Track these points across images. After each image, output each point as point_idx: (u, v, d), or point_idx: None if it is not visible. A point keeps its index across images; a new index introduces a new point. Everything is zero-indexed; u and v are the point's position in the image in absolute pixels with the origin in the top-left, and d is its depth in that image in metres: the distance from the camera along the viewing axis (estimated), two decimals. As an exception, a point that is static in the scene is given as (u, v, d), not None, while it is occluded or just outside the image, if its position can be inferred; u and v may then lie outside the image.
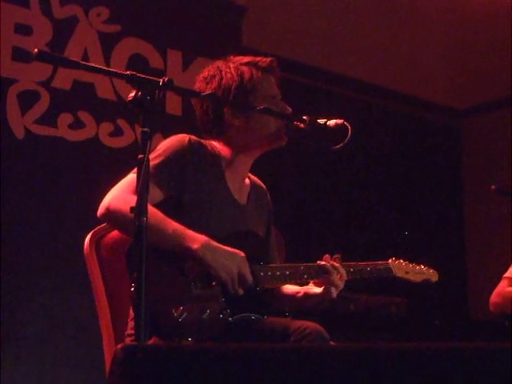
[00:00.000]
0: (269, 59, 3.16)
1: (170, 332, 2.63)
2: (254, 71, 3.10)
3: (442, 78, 7.53)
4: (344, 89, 7.43)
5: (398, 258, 3.45)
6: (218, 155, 3.05)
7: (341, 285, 3.07)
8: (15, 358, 4.76)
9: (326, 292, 3.04)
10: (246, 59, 3.14)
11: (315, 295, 3.08)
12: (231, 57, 3.18)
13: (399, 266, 3.41)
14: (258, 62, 3.14)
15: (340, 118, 2.96)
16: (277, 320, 2.83)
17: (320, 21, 6.46)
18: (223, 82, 3.05)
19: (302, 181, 6.98)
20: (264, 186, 3.32)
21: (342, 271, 3.08)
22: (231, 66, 3.10)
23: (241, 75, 3.07)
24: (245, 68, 3.10)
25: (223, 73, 3.08)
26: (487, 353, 2.15)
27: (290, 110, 3.12)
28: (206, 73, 3.12)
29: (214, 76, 3.08)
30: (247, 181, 3.22)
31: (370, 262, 3.29)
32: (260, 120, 3.05)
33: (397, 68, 7.23)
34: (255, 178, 3.28)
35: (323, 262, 3.06)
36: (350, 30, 6.62)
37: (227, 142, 3.09)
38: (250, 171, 3.23)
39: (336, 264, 3.07)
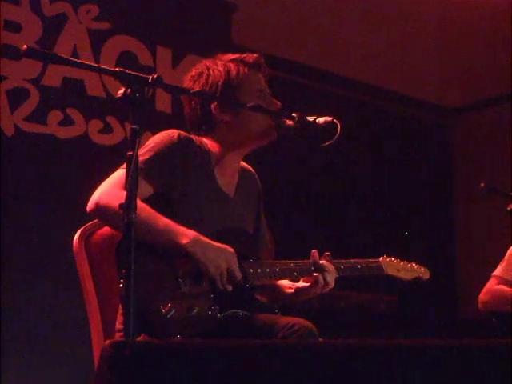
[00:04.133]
0: (255, 55, 3.18)
1: (158, 329, 2.63)
2: (241, 67, 3.11)
3: (433, 76, 7.54)
4: (334, 87, 7.44)
5: (389, 255, 3.45)
6: (208, 151, 3.06)
7: (331, 283, 3.08)
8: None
9: (315, 285, 3.04)
10: (233, 56, 3.16)
11: (305, 289, 3.09)
12: (219, 55, 3.19)
13: (390, 264, 3.42)
14: (245, 58, 3.15)
15: (329, 116, 2.96)
16: (265, 316, 2.83)
17: (310, 18, 6.46)
18: (210, 79, 3.07)
19: (291, 178, 6.99)
20: (252, 170, 3.31)
21: (332, 269, 3.08)
22: (218, 63, 3.12)
23: (227, 72, 3.08)
24: (232, 65, 3.11)
25: (210, 70, 3.10)
26: (476, 350, 2.16)
27: (279, 104, 3.12)
28: (193, 71, 3.14)
29: (202, 74, 3.10)
30: (236, 174, 3.21)
31: (360, 260, 3.29)
32: (249, 116, 3.05)
33: (387, 66, 7.25)
34: (245, 164, 3.28)
35: (315, 259, 3.06)
36: (341, 28, 6.63)
37: (216, 139, 3.10)
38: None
39: (325, 262, 3.08)
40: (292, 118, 2.98)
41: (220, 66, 3.10)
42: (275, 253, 3.44)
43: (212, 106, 3.07)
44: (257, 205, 3.28)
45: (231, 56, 3.16)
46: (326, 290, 3.08)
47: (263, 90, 3.14)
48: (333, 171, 7.23)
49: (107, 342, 1.79)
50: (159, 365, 1.79)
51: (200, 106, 3.09)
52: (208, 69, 3.10)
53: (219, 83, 3.05)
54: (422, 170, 8.12)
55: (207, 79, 3.07)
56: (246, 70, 3.11)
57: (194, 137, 3.04)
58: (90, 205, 2.78)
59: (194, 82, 3.10)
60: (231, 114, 3.07)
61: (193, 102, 3.11)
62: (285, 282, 3.17)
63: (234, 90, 3.06)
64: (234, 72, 3.09)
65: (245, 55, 3.16)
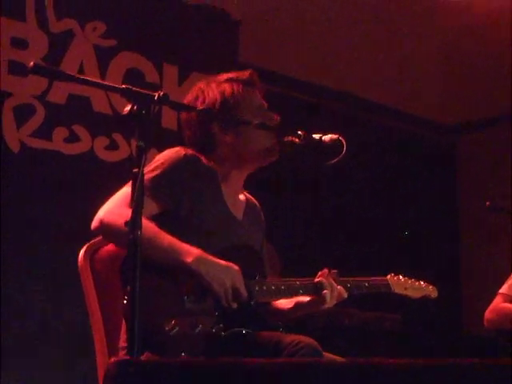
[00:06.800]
0: (248, 72, 3.18)
1: (161, 346, 2.62)
2: (235, 86, 3.11)
3: (437, 94, 7.54)
4: (339, 104, 7.45)
5: (396, 273, 3.44)
6: (214, 169, 3.05)
7: (335, 300, 3.06)
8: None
9: (319, 300, 3.03)
10: (226, 76, 3.15)
11: (307, 304, 3.07)
12: (212, 77, 3.19)
13: (398, 282, 3.39)
14: (239, 76, 3.15)
15: (335, 134, 2.96)
16: (269, 334, 2.82)
17: (316, 37, 6.47)
18: (206, 101, 3.06)
19: (297, 196, 6.99)
20: (257, 204, 3.31)
21: (340, 290, 3.07)
22: (212, 85, 3.12)
23: (222, 92, 3.08)
24: (226, 85, 3.11)
25: (205, 93, 3.09)
26: (481, 369, 2.16)
27: (278, 119, 3.12)
28: (189, 97, 3.13)
29: (197, 98, 3.09)
30: (242, 197, 3.22)
31: (367, 278, 3.27)
32: (250, 135, 3.06)
33: (391, 84, 7.25)
34: (249, 195, 3.29)
35: (319, 279, 3.05)
36: (346, 46, 6.64)
37: (220, 158, 3.09)
38: (245, 185, 3.23)
39: (332, 281, 3.06)
40: (298, 136, 2.98)
41: (214, 88, 3.10)
42: (281, 271, 3.44)
43: (211, 126, 3.07)
44: (261, 236, 3.27)
45: (225, 76, 3.16)
46: (325, 307, 3.06)
47: (261, 105, 3.14)
48: (336, 189, 7.24)
49: (112, 360, 1.79)
50: (163, 383, 1.78)
51: (200, 128, 3.09)
52: (203, 92, 3.10)
53: (215, 105, 3.05)
54: (427, 188, 8.11)
55: (203, 102, 3.06)
56: (240, 88, 3.11)
57: (199, 155, 3.04)
58: (95, 223, 2.79)
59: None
60: (232, 133, 3.07)
61: (192, 126, 3.11)
62: (284, 301, 3.16)
63: (232, 110, 3.05)
64: (228, 91, 3.08)
65: (238, 73, 3.17)
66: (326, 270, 3.08)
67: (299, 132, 2.99)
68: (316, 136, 2.97)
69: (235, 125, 3.07)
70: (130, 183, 2.70)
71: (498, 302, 4.54)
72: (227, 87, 3.10)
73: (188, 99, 3.13)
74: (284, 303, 3.15)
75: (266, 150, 3.09)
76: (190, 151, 3.00)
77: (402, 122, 8.07)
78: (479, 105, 7.53)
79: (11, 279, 4.81)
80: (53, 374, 4.92)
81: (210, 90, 3.10)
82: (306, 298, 3.07)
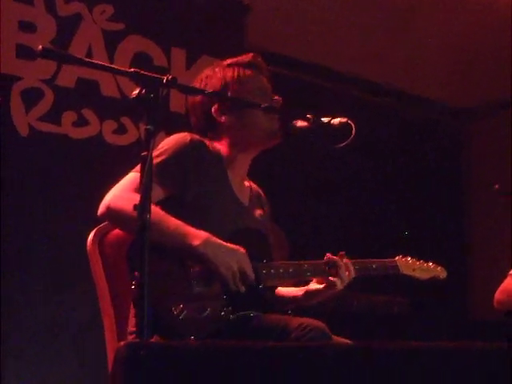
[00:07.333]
0: (251, 55, 3.20)
1: (170, 330, 2.62)
2: (239, 70, 3.13)
3: (445, 77, 7.51)
4: (347, 87, 7.44)
5: (404, 255, 3.45)
6: (219, 154, 3.07)
7: (346, 280, 3.07)
8: (16, 356, 4.76)
9: (329, 286, 3.04)
10: (230, 60, 3.19)
11: (317, 291, 3.09)
12: (217, 62, 3.22)
13: (406, 264, 3.41)
14: (242, 60, 3.18)
15: (343, 117, 2.96)
16: (277, 317, 2.82)
17: (324, 19, 6.45)
18: (208, 87, 3.08)
19: (304, 179, 6.99)
20: (262, 193, 3.33)
21: (351, 267, 3.09)
22: (217, 70, 3.15)
23: (226, 76, 3.10)
24: (230, 69, 3.13)
25: (208, 78, 3.12)
26: (488, 352, 2.16)
27: (281, 101, 3.14)
28: (195, 83, 3.16)
29: (201, 82, 3.13)
30: (247, 183, 3.24)
31: (376, 260, 3.29)
32: (254, 117, 3.07)
33: (399, 66, 7.23)
34: (254, 184, 3.30)
35: (331, 256, 3.06)
36: (354, 29, 6.61)
37: (224, 142, 3.11)
38: (252, 171, 3.23)
39: (345, 260, 3.08)
40: (306, 119, 2.98)
41: (218, 72, 3.13)
42: (289, 254, 3.45)
43: (212, 110, 3.09)
44: (268, 221, 3.29)
45: (229, 60, 3.18)
46: (336, 290, 3.07)
47: (264, 88, 3.16)
48: (343, 172, 7.23)
49: (122, 343, 1.80)
50: (174, 366, 1.79)
51: (205, 113, 3.11)
52: (207, 77, 3.13)
53: (220, 89, 3.07)
54: (434, 171, 8.11)
55: (206, 87, 3.08)
56: (244, 72, 3.13)
57: (206, 140, 3.05)
58: (101, 208, 2.79)
59: None
60: (236, 116, 3.09)
61: (196, 112, 3.14)
62: (294, 289, 3.17)
63: (236, 93, 3.07)
64: (232, 75, 3.11)
65: (241, 57, 3.19)
66: (329, 254, 3.09)
67: (308, 115, 2.99)
68: (325, 119, 2.96)
69: (239, 108, 3.09)
70: (136, 168, 2.73)
71: (508, 283, 4.53)
72: (231, 71, 3.13)
73: (194, 85, 3.14)
74: (294, 291, 3.16)
75: (271, 132, 3.11)
76: (195, 136, 3.01)
77: (411, 106, 8.05)
78: (490, 89, 7.49)
79: (15, 265, 4.82)
80: (62, 365, 4.93)
81: (215, 74, 3.13)
82: (317, 286, 3.08)
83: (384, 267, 3.31)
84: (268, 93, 3.15)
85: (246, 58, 3.19)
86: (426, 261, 3.53)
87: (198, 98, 3.12)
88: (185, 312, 2.64)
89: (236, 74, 3.12)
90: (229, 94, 3.07)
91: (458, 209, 8.38)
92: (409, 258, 3.45)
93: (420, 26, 6.66)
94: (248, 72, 3.14)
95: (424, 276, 3.48)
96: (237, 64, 3.16)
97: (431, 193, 8.01)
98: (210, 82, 3.10)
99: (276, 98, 3.14)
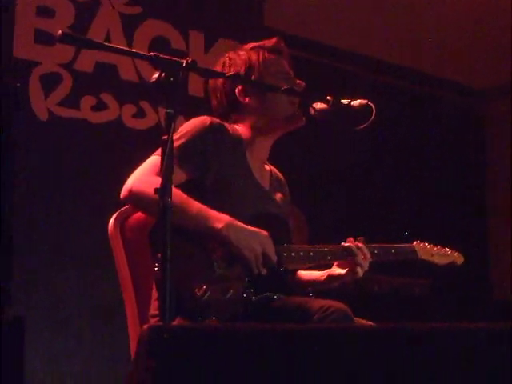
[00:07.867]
0: (274, 39, 3.21)
1: (193, 311, 2.63)
2: (262, 53, 3.14)
3: (467, 58, 7.47)
4: (367, 69, 7.40)
5: (422, 240, 3.44)
6: (240, 137, 3.07)
7: (365, 266, 3.07)
8: (38, 339, 4.79)
9: (352, 272, 3.04)
10: (253, 44, 3.20)
11: (340, 276, 3.09)
12: (239, 46, 3.24)
13: (424, 249, 3.40)
14: (265, 44, 3.19)
15: (364, 98, 2.95)
16: (300, 299, 2.83)
17: (343, 1, 6.42)
18: (232, 68, 3.09)
19: (324, 163, 6.97)
20: (282, 177, 3.33)
21: (367, 252, 3.08)
22: (240, 53, 3.16)
23: (249, 59, 3.11)
24: (252, 52, 3.15)
25: (232, 60, 3.13)
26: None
27: (303, 85, 3.13)
28: (217, 65, 3.17)
29: (225, 65, 3.13)
30: (267, 167, 3.24)
31: (394, 245, 3.28)
32: (273, 100, 3.08)
33: (421, 49, 7.19)
34: (274, 169, 3.30)
35: (348, 244, 3.06)
36: (373, 11, 6.58)
37: (246, 125, 3.12)
38: (272, 155, 3.23)
39: (360, 245, 3.07)
40: (326, 102, 2.96)
41: (241, 55, 3.14)
42: (308, 238, 3.44)
43: (236, 91, 3.09)
44: (288, 205, 3.29)
45: (251, 44, 3.20)
46: (361, 274, 3.07)
47: (286, 72, 3.16)
48: (363, 155, 7.21)
49: (145, 326, 1.80)
50: (197, 348, 1.79)
51: (226, 95, 3.12)
52: (230, 59, 3.14)
53: (242, 71, 3.07)
54: (455, 154, 8.07)
55: (229, 70, 3.08)
56: (267, 55, 3.14)
57: (226, 123, 3.05)
58: (124, 192, 2.80)
59: None
60: (258, 99, 3.09)
61: (218, 94, 3.14)
62: (316, 273, 3.17)
63: (258, 76, 3.08)
64: (255, 58, 3.11)
65: (265, 41, 3.20)
66: (351, 238, 3.09)
67: (328, 97, 2.98)
68: (345, 101, 2.95)
69: (261, 91, 3.10)
70: (157, 152, 2.74)
71: None
72: (254, 54, 3.13)
73: (216, 68, 3.14)
74: (316, 275, 3.16)
75: (292, 115, 3.11)
76: (215, 119, 3.01)
77: (431, 87, 8.01)
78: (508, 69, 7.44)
79: (40, 250, 4.85)
80: (84, 349, 4.97)
81: (237, 57, 3.14)
82: (340, 271, 3.08)
83: (402, 252, 3.30)
84: (291, 77, 3.16)
85: (270, 42, 3.20)
86: (443, 246, 3.52)
87: (220, 80, 3.12)
88: (208, 293, 2.65)
89: (261, 57, 3.12)
90: (253, 76, 3.07)
91: (480, 191, 8.34)
92: (427, 244, 3.43)
93: (441, 7, 6.61)
94: (272, 56, 3.15)
95: (442, 261, 3.47)
96: (261, 47, 3.17)
97: (452, 176, 7.97)
98: (234, 64, 3.11)
99: (299, 82, 3.14)
